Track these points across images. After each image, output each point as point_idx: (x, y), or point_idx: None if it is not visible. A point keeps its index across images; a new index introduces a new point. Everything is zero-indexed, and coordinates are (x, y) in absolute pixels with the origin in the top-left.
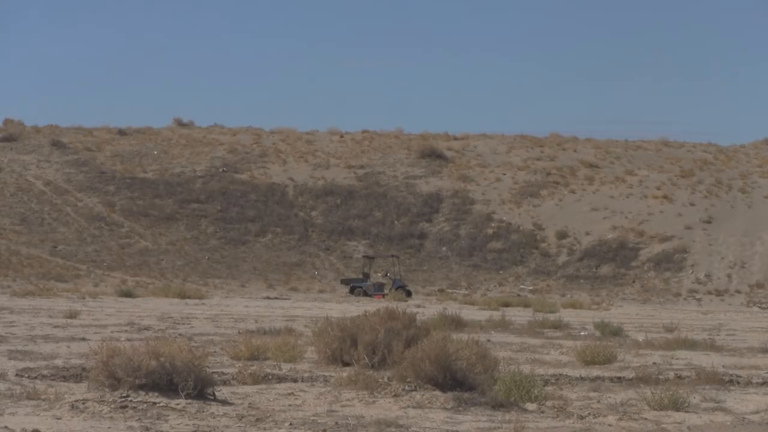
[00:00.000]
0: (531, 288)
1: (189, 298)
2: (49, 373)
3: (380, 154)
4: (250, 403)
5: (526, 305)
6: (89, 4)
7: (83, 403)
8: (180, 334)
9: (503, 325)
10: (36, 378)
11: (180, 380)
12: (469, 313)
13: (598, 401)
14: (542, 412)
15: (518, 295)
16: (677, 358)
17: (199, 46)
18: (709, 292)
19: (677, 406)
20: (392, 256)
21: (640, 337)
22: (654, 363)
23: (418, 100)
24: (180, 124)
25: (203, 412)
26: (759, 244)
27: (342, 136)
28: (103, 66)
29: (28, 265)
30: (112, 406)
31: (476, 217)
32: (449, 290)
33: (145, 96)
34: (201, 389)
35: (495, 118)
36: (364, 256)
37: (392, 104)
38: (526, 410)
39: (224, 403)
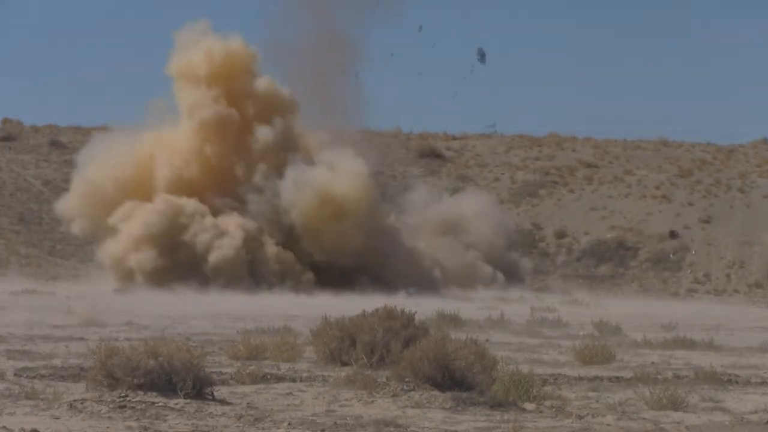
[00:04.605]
0: (529, 287)
1: (187, 297)
2: (47, 372)
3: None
4: (248, 403)
5: (524, 304)
6: (89, 4)
7: (81, 403)
8: (178, 334)
9: (502, 325)
10: (34, 378)
11: (178, 380)
12: (467, 313)
13: (597, 401)
14: (541, 411)
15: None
16: (676, 358)
17: None
18: (708, 292)
19: (676, 405)
20: None
21: (639, 337)
22: (652, 362)
23: (417, 100)
24: None
25: (202, 411)
26: (758, 243)
27: None
28: (102, 66)
29: (27, 265)
30: (111, 405)
31: None
32: None
33: (143, 96)
34: (199, 389)
35: (493, 118)
36: None
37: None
38: (524, 410)
39: (223, 402)
